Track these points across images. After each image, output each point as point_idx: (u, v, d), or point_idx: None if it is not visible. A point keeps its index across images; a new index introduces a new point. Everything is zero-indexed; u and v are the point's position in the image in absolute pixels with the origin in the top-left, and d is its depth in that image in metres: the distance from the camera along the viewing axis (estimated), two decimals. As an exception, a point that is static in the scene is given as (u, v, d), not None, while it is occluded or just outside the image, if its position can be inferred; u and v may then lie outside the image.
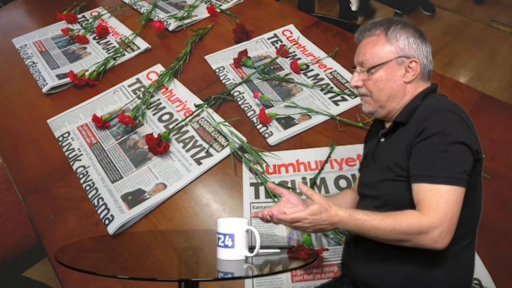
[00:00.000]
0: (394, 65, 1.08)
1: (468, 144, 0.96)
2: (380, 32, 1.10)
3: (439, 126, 0.97)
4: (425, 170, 0.96)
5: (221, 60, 2.03)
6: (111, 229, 1.43)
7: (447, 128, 0.96)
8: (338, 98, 1.82)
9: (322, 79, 1.91)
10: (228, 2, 2.39)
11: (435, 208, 0.93)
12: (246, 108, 1.79)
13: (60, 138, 1.76)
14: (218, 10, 2.32)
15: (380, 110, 1.13)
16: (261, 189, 1.54)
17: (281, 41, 2.11)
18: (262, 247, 1.03)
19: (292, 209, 1.07)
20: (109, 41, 2.20)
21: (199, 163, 1.61)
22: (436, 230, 0.92)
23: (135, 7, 2.42)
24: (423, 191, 0.95)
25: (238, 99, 1.83)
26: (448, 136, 0.95)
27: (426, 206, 0.94)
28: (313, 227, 0.98)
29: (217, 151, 1.64)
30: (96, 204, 1.52)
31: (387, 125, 1.15)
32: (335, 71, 1.94)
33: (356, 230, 0.97)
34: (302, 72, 1.94)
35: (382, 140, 1.14)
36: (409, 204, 0.99)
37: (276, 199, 1.50)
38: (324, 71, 1.94)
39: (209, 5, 2.32)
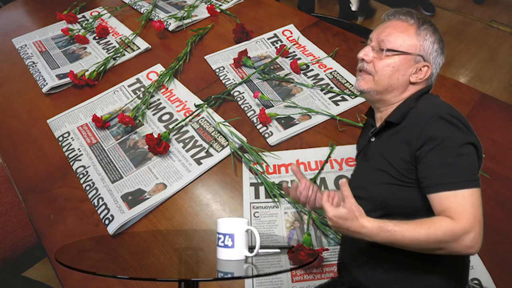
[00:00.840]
0: (411, 60, 1.06)
1: (475, 144, 0.96)
2: (413, 22, 1.08)
3: (446, 132, 0.96)
4: (446, 177, 0.94)
5: (221, 60, 2.03)
6: (111, 229, 1.43)
7: (453, 132, 0.96)
8: (338, 98, 1.82)
9: (322, 79, 1.91)
10: (228, 2, 2.39)
11: (464, 213, 0.91)
12: (246, 108, 1.79)
13: (60, 138, 1.76)
14: (218, 10, 2.32)
15: (374, 94, 1.10)
16: (261, 189, 1.54)
17: (281, 41, 2.11)
18: (262, 247, 1.03)
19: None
20: (109, 41, 2.20)
21: (199, 163, 1.61)
22: (469, 235, 0.90)
23: (135, 7, 2.42)
24: (447, 198, 0.93)
25: (238, 99, 1.83)
26: (457, 140, 0.95)
27: (455, 212, 0.92)
28: (334, 227, 0.97)
29: (217, 151, 1.64)
30: (96, 204, 1.52)
31: (378, 124, 1.13)
32: (335, 71, 1.94)
33: (385, 242, 0.94)
34: (302, 72, 1.94)
35: (373, 139, 1.12)
36: (405, 208, 0.98)
37: (276, 199, 1.50)
38: (324, 71, 1.94)
39: (209, 5, 2.32)
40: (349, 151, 1.62)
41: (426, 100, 1.05)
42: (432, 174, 0.96)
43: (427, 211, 0.97)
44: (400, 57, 1.06)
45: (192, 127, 1.74)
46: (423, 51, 1.07)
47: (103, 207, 1.50)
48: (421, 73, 1.07)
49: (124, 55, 2.10)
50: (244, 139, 1.66)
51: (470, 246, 0.91)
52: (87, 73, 1.98)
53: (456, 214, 0.92)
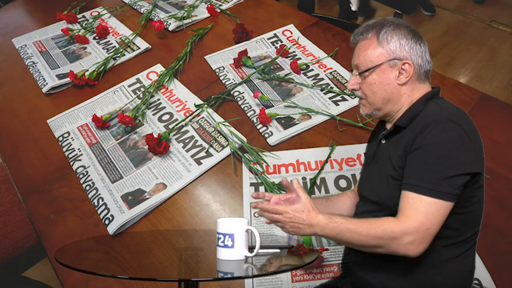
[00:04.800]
0: (387, 68, 1.07)
1: (463, 159, 0.95)
2: (372, 35, 1.09)
3: (436, 137, 0.96)
4: (414, 179, 0.97)
5: (221, 60, 2.03)
6: (111, 229, 1.43)
7: (444, 140, 0.95)
8: (338, 98, 1.82)
9: (322, 79, 1.91)
10: (228, 2, 2.39)
11: (413, 216, 0.94)
12: (246, 108, 1.79)
13: (60, 138, 1.76)
14: (218, 10, 2.32)
15: (377, 112, 1.13)
16: (261, 189, 1.53)
17: (281, 41, 2.11)
18: (262, 247, 1.03)
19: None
20: (109, 41, 2.20)
21: (199, 163, 1.61)
22: (409, 237, 0.93)
23: (135, 7, 2.42)
24: (406, 198, 0.96)
25: (238, 99, 1.83)
26: (442, 149, 0.95)
27: (404, 213, 0.95)
28: (291, 223, 1.01)
29: (217, 151, 1.64)
30: (96, 204, 1.52)
31: (388, 126, 1.15)
32: (335, 71, 1.94)
33: (333, 234, 0.99)
34: (302, 72, 1.94)
35: (383, 141, 1.13)
36: None
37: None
38: (324, 71, 1.94)
39: (209, 5, 2.32)
40: (349, 151, 1.62)
41: (434, 103, 1.05)
42: (407, 172, 0.99)
43: None
44: (376, 71, 1.08)
45: (192, 127, 1.74)
46: (393, 53, 1.07)
47: (103, 207, 1.50)
48: (405, 72, 1.07)
49: (124, 55, 2.10)
50: (244, 139, 1.66)
51: (408, 248, 0.93)
52: (87, 73, 1.98)
53: (404, 215, 0.95)
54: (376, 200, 1.08)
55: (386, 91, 1.08)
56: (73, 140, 1.75)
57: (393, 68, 1.07)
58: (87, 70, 2.01)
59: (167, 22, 2.22)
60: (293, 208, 1.01)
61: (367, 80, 1.09)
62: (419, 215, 0.93)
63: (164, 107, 1.83)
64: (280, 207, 1.02)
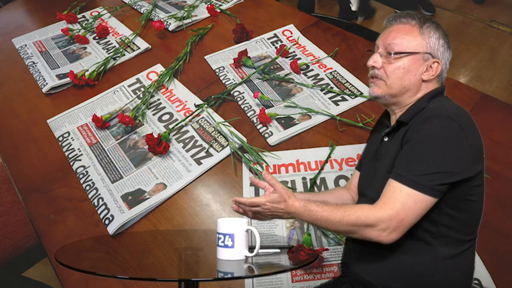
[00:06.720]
0: (420, 59, 1.08)
1: (452, 157, 0.95)
2: (415, 23, 1.10)
3: (430, 131, 0.97)
4: (400, 168, 0.98)
5: (221, 60, 2.03)
6: (111, 229, 1.43)
7: (437, 134, 0.96)
8: (338, 98, 1.82)
9: (322, 79, 1.91)
10: (228, 2, 2.39)
11: (390, 204, 0.96)
12: (246, 108, 1.79)
13: (60, 138, 1.76)
14: (218, 10, 2.32)
15: (389, 98, 1.11)
16: (261, 189, 1.53)
17: (281, 41, 2.11)
18: (262, 247, 1.03)
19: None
20: (109, 41, 2.20)
21: (199, 163, 1.61)
22: (382, 224, 0.94)
23: (135, 7, 2.42)
24: (389, 186, 0.98)
25: (238, 99, 1.83)
26: (433, 143, 0.96)
27: (383, 201, 0.97)
28: (271, 213, 1.03)
29: (217, 151, 1.64)
30: (96, 204, 1.52)
31: (392, 123, 1.15)
32: (335, 71, 1.94)
33: (310, 221, 1.02)
34: (302, 72, 1.94)
35: (386, 139, 1.13)
36: None
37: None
38: (324, 71, 1.94)
39: (209, 5, 2.32)
40: (349, 151, 1.62)
41: (438, 101, 1.06)
42: (397, 161, 1.01)
43: (435, 210, 0.97)
44: (409, 57, 1.08)
45: (192, 127, 1.74)
46: (430, 48, 1.08)
47: (103, 207, 1.50)
48: (432, 70, 1.08)
49: (124, 55, 2.10)
50: (244, 139, 1.66)
51: (379, 235, 0.96)
52: (87, 73, 1.98)
53: (382, 203, 0.97)
54: (376, 197, 1.07)
55: (410, 80, 1.08)
56: (73, 140, 1.75)
57: (424, 61, 1.08)
58: (87, 70, 2.01)
59: (167, 22, 2.22)
60: (269, 199, 1.02)
61: (396, 63, 1.08)
62: (396, 204, 0.95)
63: (164, 107, 1.83)
64: (257, 200, 1.02)
